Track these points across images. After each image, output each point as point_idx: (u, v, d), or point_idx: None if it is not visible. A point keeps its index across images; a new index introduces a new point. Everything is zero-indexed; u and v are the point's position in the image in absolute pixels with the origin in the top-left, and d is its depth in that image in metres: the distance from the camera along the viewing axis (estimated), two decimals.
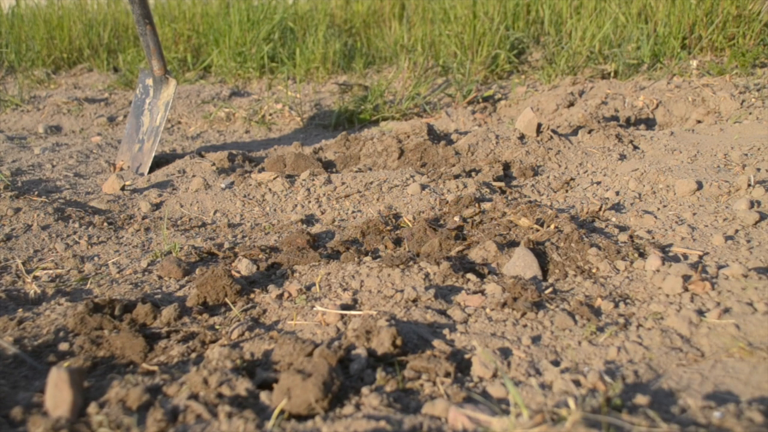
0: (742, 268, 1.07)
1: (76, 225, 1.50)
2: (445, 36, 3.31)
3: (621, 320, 0.98)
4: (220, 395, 0.76)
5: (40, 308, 1.08)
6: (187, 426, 0.71)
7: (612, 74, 2.87)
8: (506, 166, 1.87)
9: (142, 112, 2.13)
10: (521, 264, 1.15)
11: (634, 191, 1.59)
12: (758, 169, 1.58)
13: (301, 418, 0.74)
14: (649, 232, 1.33)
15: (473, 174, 1.79)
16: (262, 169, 1.94)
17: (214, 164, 1.95)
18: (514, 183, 1.77)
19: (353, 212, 1.60)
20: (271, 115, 2.86)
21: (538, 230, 1.29)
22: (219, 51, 3.45)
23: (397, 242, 1.33)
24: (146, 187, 1.82)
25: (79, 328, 0.98)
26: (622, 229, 1.37)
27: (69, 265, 1.29)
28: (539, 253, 1.19)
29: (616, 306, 1.02)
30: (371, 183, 1.68)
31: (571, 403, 0.72)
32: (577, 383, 0.81)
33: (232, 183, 1.77)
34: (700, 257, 1.18)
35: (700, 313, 0.97)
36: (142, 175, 1.96)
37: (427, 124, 2.10)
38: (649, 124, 2.42)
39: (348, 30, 3.88)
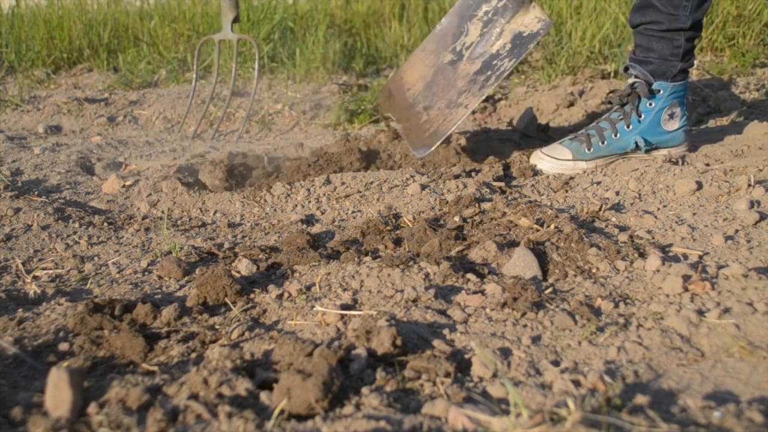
0: (742, 268, 1.07)
1: (76, 225, 1.50)
2: None
3: (621, 320, 0.98)
4: (220, 395, 0.76)
5: (40, 308, 1.08)
6: (187, 426, 0.71)
7: (612, 74, 2.87)
8: (506, 166, 1.87)
9: (471, 18, 1.52)
10: (521, 264, 1.15)
11: (634, 191, 1.59)
12: (758, 169, 1.58)
13: (301, 418, 0.74)
14: (649, 232, 1.33)
15: (473, 174, 1.79)
16: None
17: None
18: (514, 183, 1.77)
19: (353, 212, 1.60)
20: (271, 115, 2.86)
21: (538, 230, 1.29)
22: (219, 51, 3.44)
23: (397, 242, 1.33)
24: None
25: (79, 328, 0.97)
26: (622, 229, 1.37)
27: (69, 265, 1.29)
28: (539, 253, 1.19)
29: (616, 306, 1.02)
30: (371, 183, 1.68)
31: (571, 403, 0.72)
32: (577, 383, 0.81)
33: None
34: (700, 257, 1.18)
35: (700, 313, 0.97)
36: (428, 148, 1.53)
37: None
38: None
39: (348, 30, 3.88)
